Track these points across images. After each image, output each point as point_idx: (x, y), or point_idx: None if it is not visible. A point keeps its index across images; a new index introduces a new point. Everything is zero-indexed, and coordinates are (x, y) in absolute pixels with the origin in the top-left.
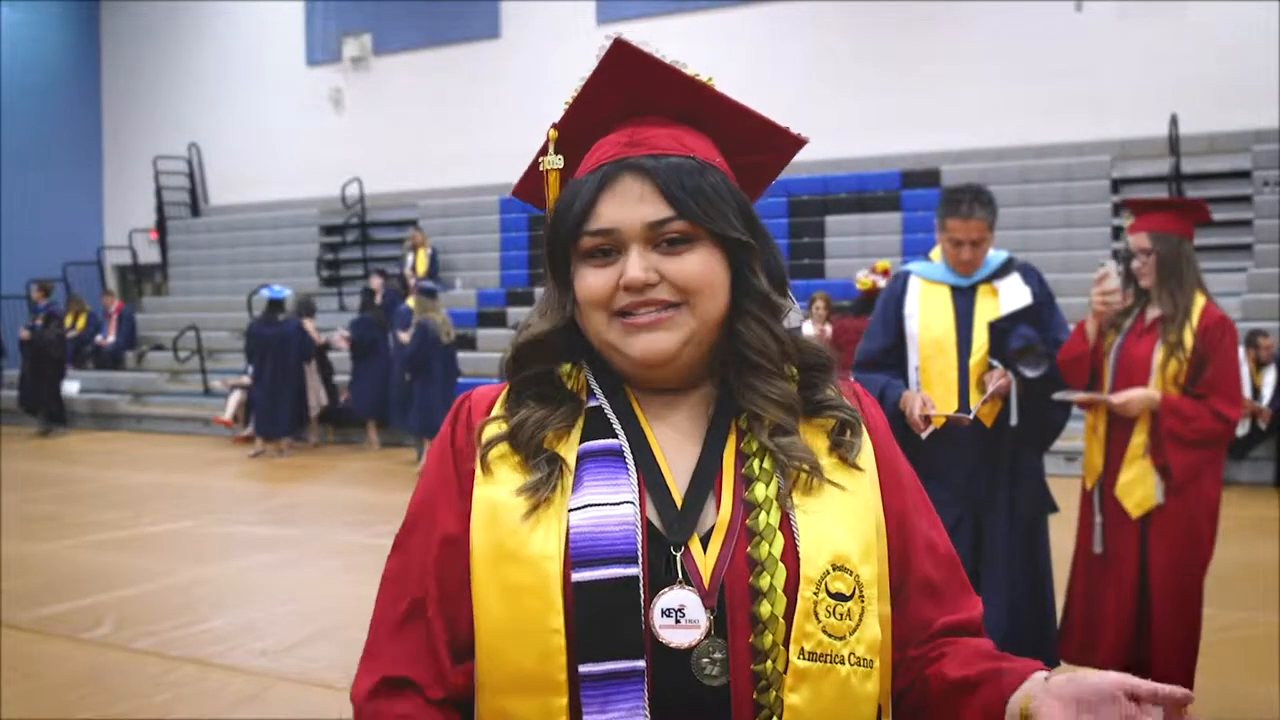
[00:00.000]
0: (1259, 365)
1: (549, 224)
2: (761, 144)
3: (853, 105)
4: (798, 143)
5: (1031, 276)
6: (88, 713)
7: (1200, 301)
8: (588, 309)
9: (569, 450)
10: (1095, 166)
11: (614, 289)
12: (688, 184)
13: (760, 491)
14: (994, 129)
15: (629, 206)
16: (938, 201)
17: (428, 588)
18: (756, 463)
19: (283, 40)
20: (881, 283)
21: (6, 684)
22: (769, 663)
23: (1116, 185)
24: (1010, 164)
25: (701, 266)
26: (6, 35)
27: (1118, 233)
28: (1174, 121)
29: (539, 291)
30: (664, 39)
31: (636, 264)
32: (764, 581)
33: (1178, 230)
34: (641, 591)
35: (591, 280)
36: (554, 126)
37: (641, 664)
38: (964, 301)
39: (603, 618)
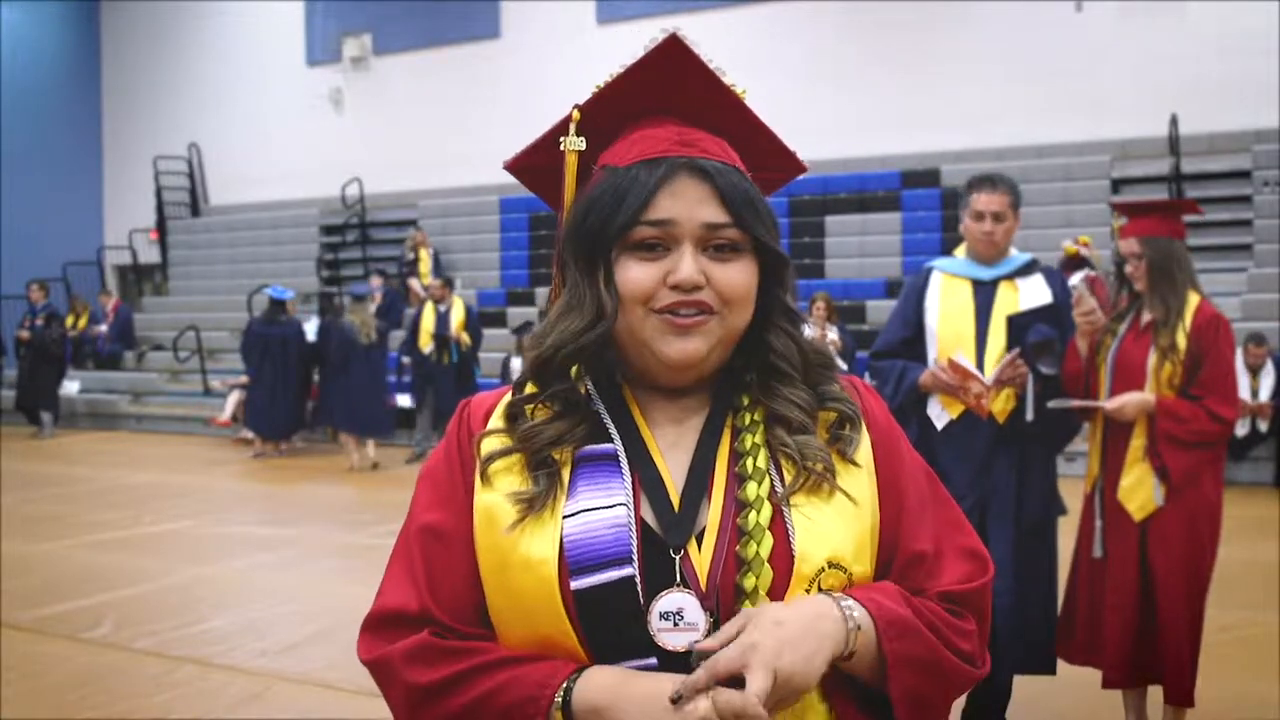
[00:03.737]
0: (1252, 371)
1: (582, 214)
2: (770, 162)
3: (853, 105)
4: (799, 168)
5: (1054, 279)
6: (88, 713)
7: (1194, 300)
8: (628, 302)
9: (566, 460)
10: (1095, 166)
11: (658, 285)
12: (742, 193)
13: (752, 490)
14: (994, 129)
15: (689, 204)
16: (962, 188)
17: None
18: (750, 461)
19: (283, 40)
20: (1085, 250)
21: (6, 684)
22: None
23: (1116, 185)
24: (1010, 164)
25: (745, 277)
26: (6, 35)
27: (1113, 233)
28: (1174, 121)
29: (539, 292)
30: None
31: (690, 264)
32: (749, 582)
33: (1167, 232)
34: (639, 591)
35: (637, 273)
36: (578, 108)
37: (654, 662)
38: (984, 296)
39: (608, 622)
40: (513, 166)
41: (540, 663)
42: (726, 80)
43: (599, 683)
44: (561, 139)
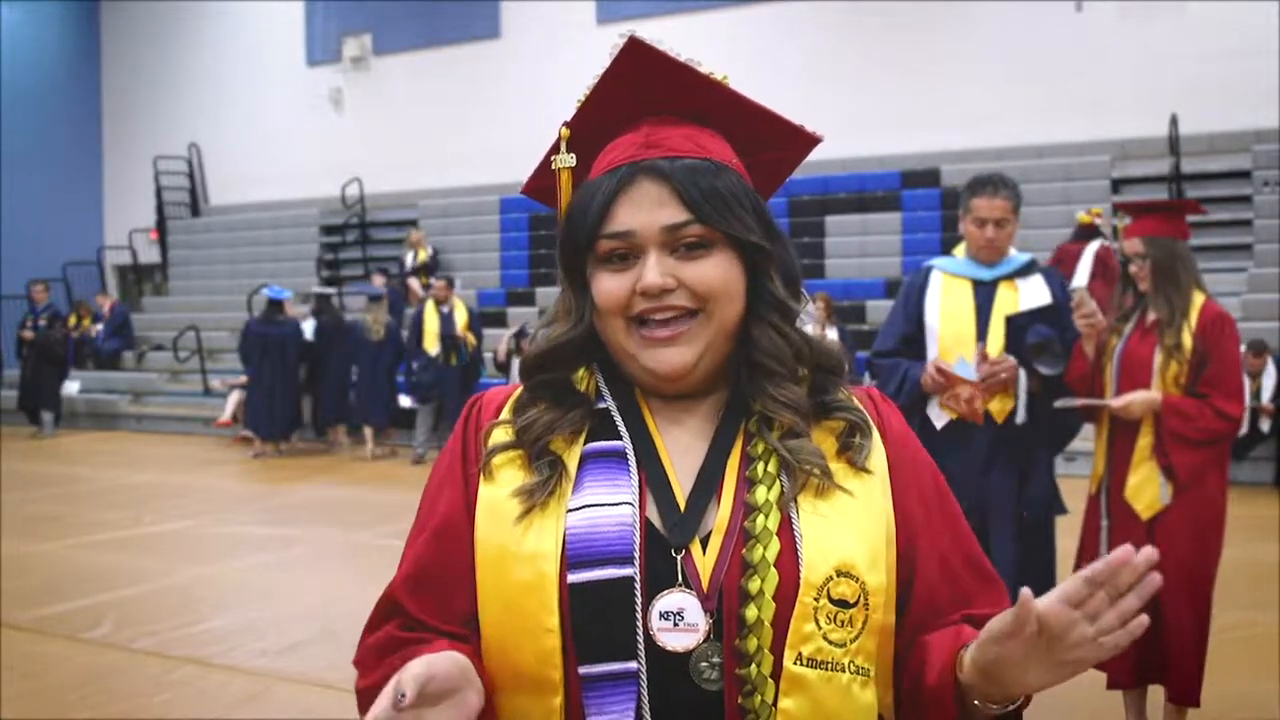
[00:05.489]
0: (1251, 376)
1: (562, 226)
2: (775, 142)
3: (853, 105)
4: (811, 140)
5: (1054, 279)
6: (88, 713)
7: (1199, 300)
8: (605, 315)
9: (572, 453)
10: (1095, 166)
11: (631, 294)
12: (705, 187)
13: (761, 494)
14: (994, 129)
15: (646, 210)
16: (963, 190)
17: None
18: (761, 466)
19: (283, 40)
20: (1098, 220)
21: (6, 684)
22: (753, 667)
23: (1116, 185)
24: (1010, 164)
25: (719, 272)
26: (6, 35)
27: (1116, 232)
28: (1174, 121)
29: (540, 291)
30: (666, 39)
31: (654, 269)
32: (753, 585)
33: (1171, 232)
34: (637, 593)
35: (608, 285)
36: (566, 124)
37: (634, 666)
38: (984, 296)
39: (598, 620)
40: (527, 190)
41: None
42: (703, 69)
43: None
44: (553, 158)
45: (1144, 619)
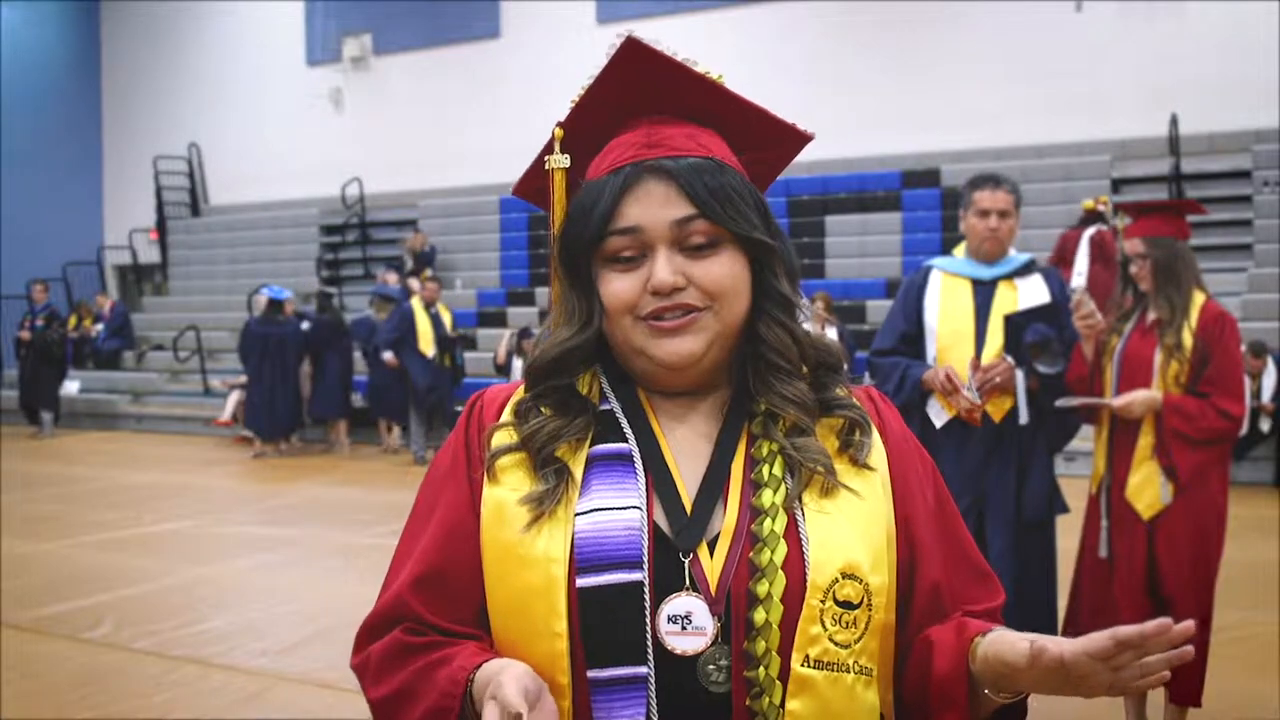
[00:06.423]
0: (1251, 376)
1: (562, 227)
2: (768, 140)
3: (853, 105)
4: (803, 138)
5: (1053, 279)
6: (88, 713)
7: (1199, 299)
8: (614, 314)
9: (578, 458)
10: (1095, 166)
11: (640, 293)
12: (710, 185)
13: (767, 497)
14: (994, 129)
15: (654, 208)
16: (963, 187)
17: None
18: (766, 468)
19: (283, 40)
20: (1102, 207)
21: (6, 684)
22: (761, 669)
23: (1116, 185)
24: (1010, 164)
25: (727, 270)
26: (6, 35)
27: (1117, 232)
28: (1174, 121)
29: (540, 291)
30: (664, 38)
31: (665, 266)
32: (761, 588)
33: (1172, 232)
34: (646, 597)
35: (617, 285)
36: (560, 125)
37: (644, 670)
38: (983, 295)
39: (607, 623)
40: (518, 191)
41: (449, 664)
42: (699, 68)
43: (488, 667)
44: (547, 158)
45: (1166, 674)
